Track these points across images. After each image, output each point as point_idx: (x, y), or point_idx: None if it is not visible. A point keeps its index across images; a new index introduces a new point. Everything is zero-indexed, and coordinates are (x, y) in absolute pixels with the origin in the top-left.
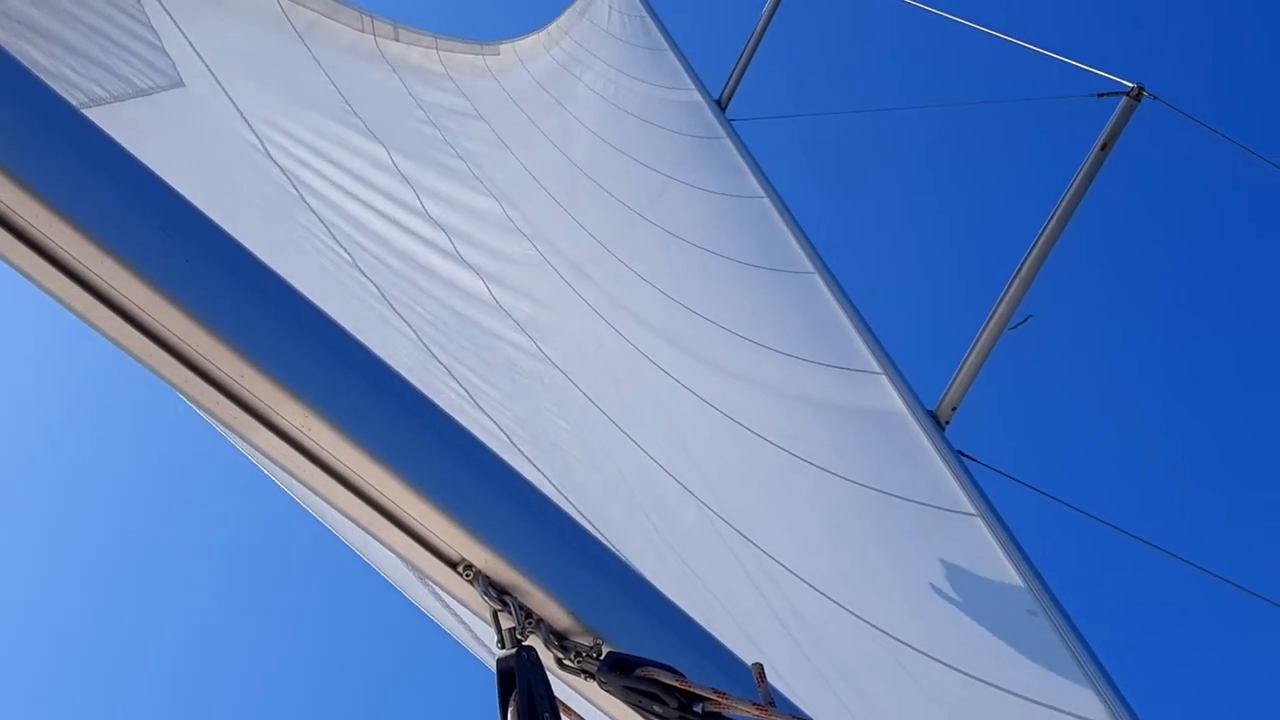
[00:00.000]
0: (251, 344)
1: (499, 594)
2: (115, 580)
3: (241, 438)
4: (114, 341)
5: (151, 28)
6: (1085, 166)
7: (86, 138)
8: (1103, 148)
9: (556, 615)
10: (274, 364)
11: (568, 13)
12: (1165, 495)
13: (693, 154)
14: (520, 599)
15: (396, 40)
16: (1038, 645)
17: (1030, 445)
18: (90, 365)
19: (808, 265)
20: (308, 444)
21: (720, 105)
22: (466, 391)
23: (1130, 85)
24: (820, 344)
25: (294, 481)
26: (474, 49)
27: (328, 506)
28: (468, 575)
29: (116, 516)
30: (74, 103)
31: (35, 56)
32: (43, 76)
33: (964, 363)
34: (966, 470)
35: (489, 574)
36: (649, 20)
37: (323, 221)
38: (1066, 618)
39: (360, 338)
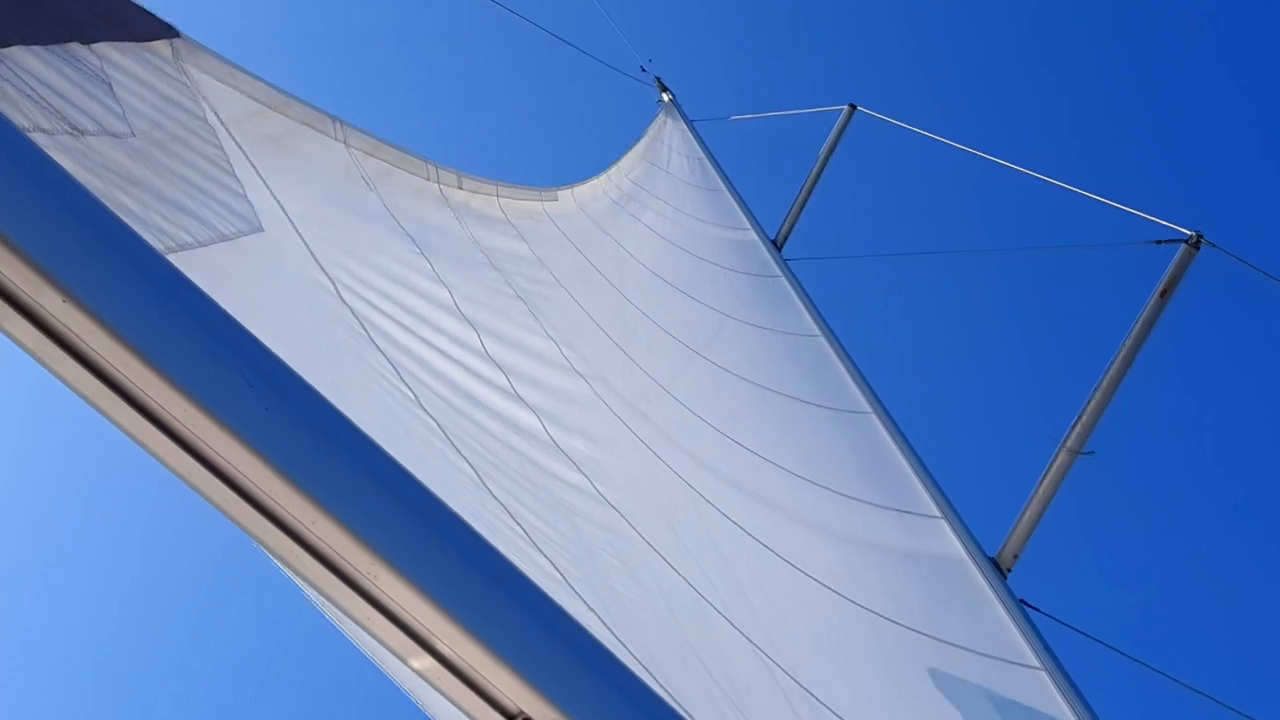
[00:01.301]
0: (325, 492)
1: None
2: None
3: (309, 584)
4: (187, 482)
5: (235, 176)
6: (1145, 313)
7: (172, 284)
8: (1162, 295)
9: None
10: (346, 512)
11: (629, 156)
12: (1235, 652)
13: (749, 292)
14: None
15: (460, 188)
16: None
17: (1096, 597)
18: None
19: (865, 405)
20: (374, 592)
21: (776, 245)
22: (525, 531)
23: (1189, 233)
24: (878, 486)
25: (355, 626)
26: (533, 195)
27: (379, 648)
28: None
29: (157, 643)
30: (162, 248)
31: (128, 204)
32: (135, 223)
33: (1026, 508)
34: (1030, 621)
35: None
36: (706, 162)
37: (390, 361)
38: None
39: (423, 475)
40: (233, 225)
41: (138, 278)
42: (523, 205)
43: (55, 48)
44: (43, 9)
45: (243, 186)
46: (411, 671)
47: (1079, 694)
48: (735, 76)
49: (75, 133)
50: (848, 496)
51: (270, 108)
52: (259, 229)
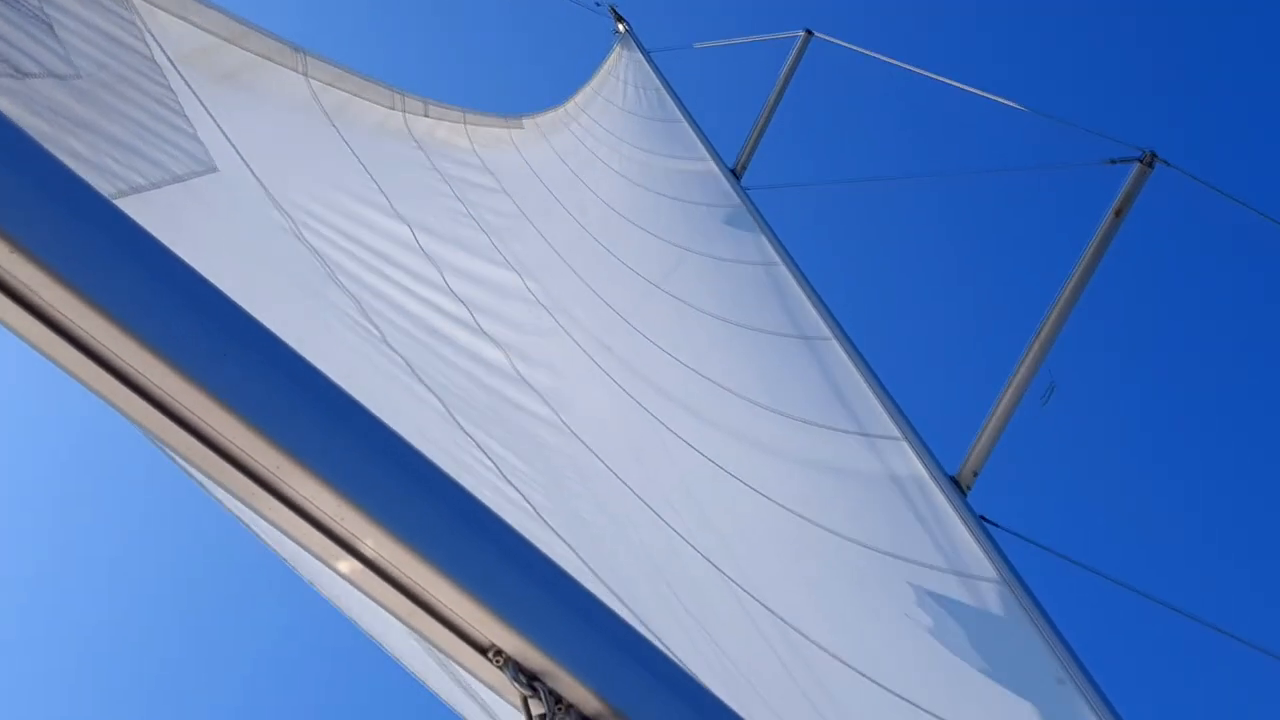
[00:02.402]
0: (291, 437)
1: (529, 680)
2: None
3: (279, 528)
4: (154, 436)
5: (185, 116)
6: (1100, 233)
7: (120, 229)
8: (1116, 214)
9: (586, 700)
10: (312, 457)
11: (586, 88)
12: (1190, 558)
13: (708, 223)
14: (550, 684)
15: (426, 115)
16: (1066, 714)
17: (1053, 510)
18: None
19: (825, 331)
20: (342, 533)
21: (735, 174)
22: (494, 464)
23: (1143, 151)
24: (839, 410)
25: (320, 567)
26: (499, 122)
27: (350, 591)
28: (498, 661)
29: (129, 612)
30: (114, 191)
31: (77, 148)
32: (85, 167)
33: (984, 428)
34: (990, 536)
35: (519, 660)
36: (664, 93)
37: (353, 298)
38: (1095, 685)
39: (391, 411)
40: (185, 165)
41: (84, 223)
42: (489, 133)
43: None
44: None
45: (193, 126)
46: (385, 611)
47: (1037, 604)
48: (692, 5)
49: (17, 75)
50: (810, 422)
51: (226, 40)
52: (213, 169)
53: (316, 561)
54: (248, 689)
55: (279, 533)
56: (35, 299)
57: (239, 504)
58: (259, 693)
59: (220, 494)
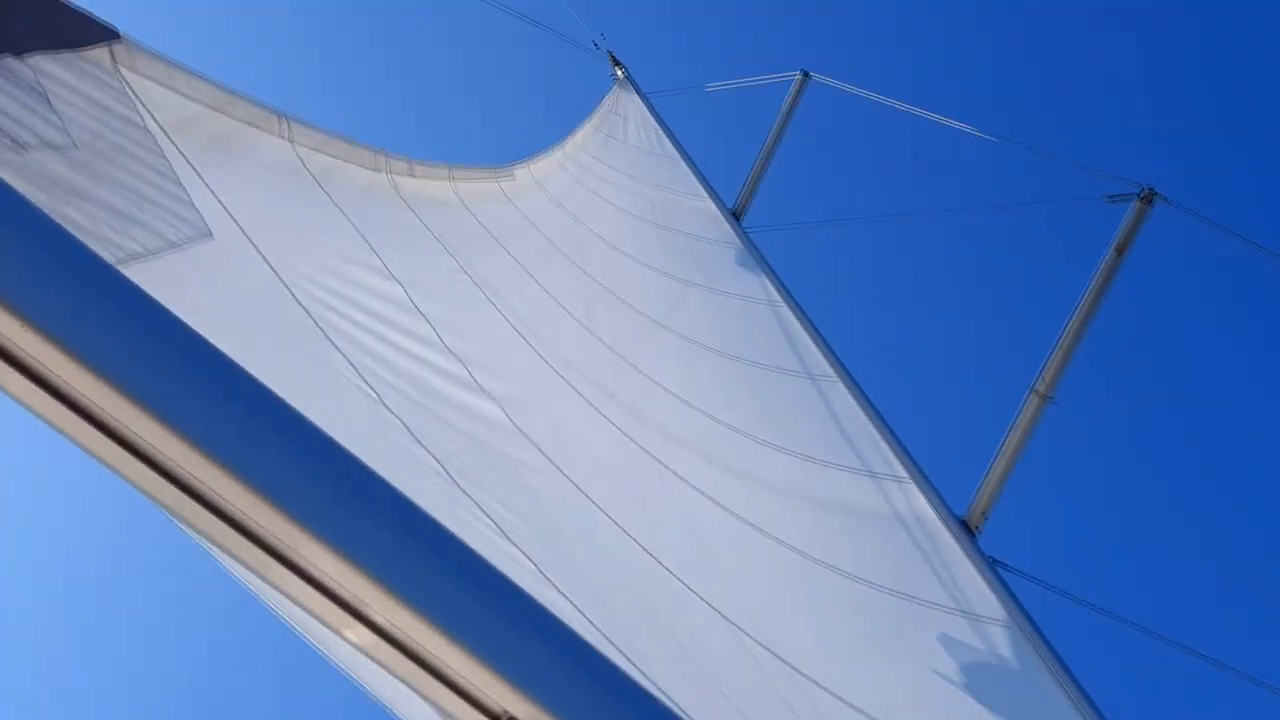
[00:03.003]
0: (292, 499)
1: None
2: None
3: (275, 588)
4: (154, 499)
5: (179, 183)
6: (1102, 269)
7: (126, 296)
8: (1118, 251)
9: None
10: (315, 520)
11: (583, 129)
12: (1200, 598)
13: (710, 259)
14: None
15: (412, 175)
16: None
17: (1063, 551)
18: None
19: (829, 371)
20: (349, 599)
21: (736, 215)
22: (495, 523)
23: (1142, 188)
24: (845, 450)
25: (326, 632)
26: (488, 174)
27: (360, 658)
28: None
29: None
30: (113, 259)
31: (75, 217)
32: (84, 236)
33: (991, 468)
34: (1000, 578)
35: None
36: (663, 135)
37: (348, 360)
38: None
39: (389, 473)
40: (181, 233)
41: (91, 292)
42: (478, 187)
43: None
44: None
45: (188, 193)
46: (392, 677)
47: (1050, 647)
48: (689, 49)
49: (16, 147)
50: (816, 461)
51: (213, 108)
52: (208, 235)
53: (323, 628)
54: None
55: (285, 600)
56: (46, 373)
57: (243, 570)
58: None
59: (223, 559)
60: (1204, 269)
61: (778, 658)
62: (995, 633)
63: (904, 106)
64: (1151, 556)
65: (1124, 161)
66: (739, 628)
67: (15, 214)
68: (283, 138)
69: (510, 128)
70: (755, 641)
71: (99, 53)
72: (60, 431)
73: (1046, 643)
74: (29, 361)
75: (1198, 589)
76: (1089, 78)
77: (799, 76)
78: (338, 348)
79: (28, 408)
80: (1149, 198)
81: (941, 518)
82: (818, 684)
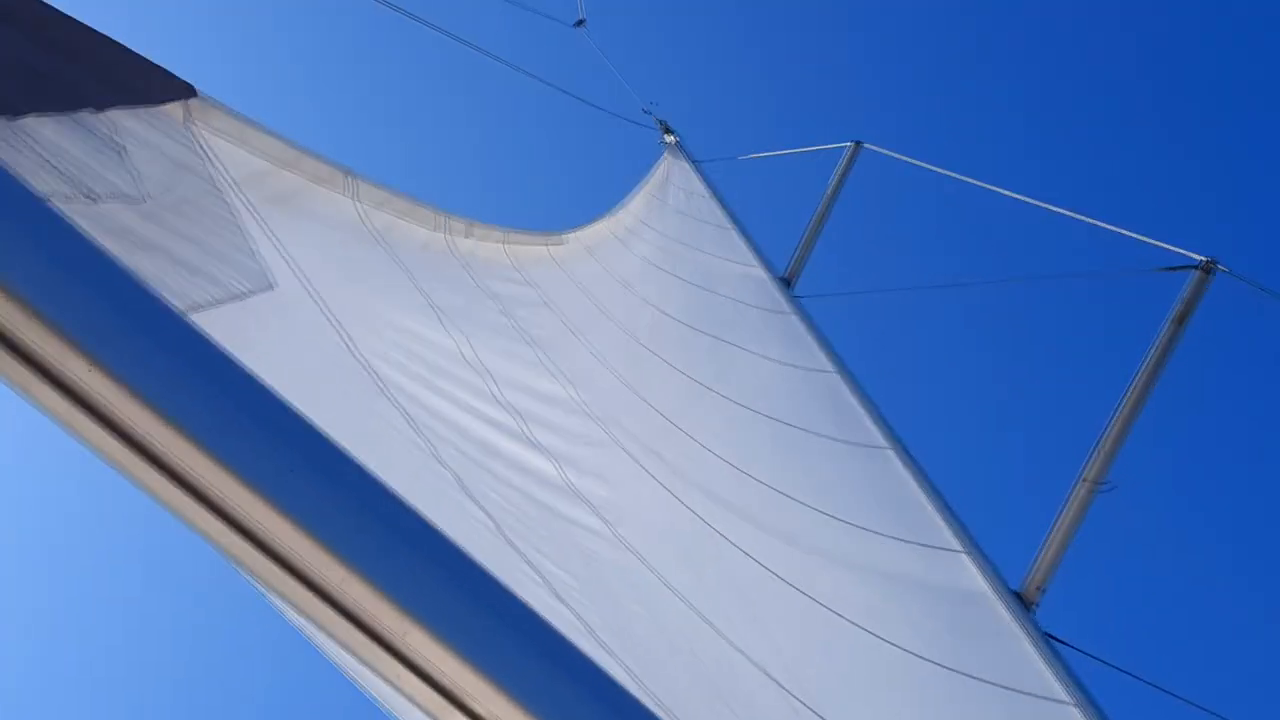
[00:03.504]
0: (357, 554)
1: None
2: None
3: (331, 636)
4: (218, 547)
5: (245, 235)
6: (1160, 341)
7: (197, 347)
8: (1177, 322)
9: None
10: (378, 574)
11: (635, 197)
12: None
13: (760, 326)
14: None
15: (468, 236)
16: None
17: (1124, 628)
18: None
19: (881, 440)
20: (407, 652)
21: (786, 282)
22: (546, 580)
23: (1201, 259)
24: (898, 521)
25: (381, 683)
26: (539, 240)
27: (413, 709)
28: None
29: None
30: (178, 308)
31: (144, 266)
32: (151, 286)
33: (1048, 541)
34: (1057, 655)
35: None
36: (713, 201)
37: (403, 413)
38: None
39: (442, 527)
40: (244, 284)
41: (162, 342)
42: (531, 251)
43: (68, 115)
44: (56, 79)
45: (253, 246)
46: None
47: None
48: (740, 115)
49: (89, 198)
50: (868, 531)
51: (281, 165)
52: (270, 287)
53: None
54: None
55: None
56: (113, 414)
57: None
58: None
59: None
60: (1269, 342)
61: None
62: (1054, 712)
63: (957, 176)
64: (1214, 636)
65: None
66: (790, 693)
67: (90, 261)
68: (346, 195)
69: (561, 199)
70: (807, 708)
71: (174, 108)
72: (129, 476)
73: None
74: (94, 400)
75: (1265, 671)
76: (1150, 145)
77: (851, 146)
78: (393, 401)
79: (91, 446)
80: (1209, 268)
81: (996, 591)
82: None
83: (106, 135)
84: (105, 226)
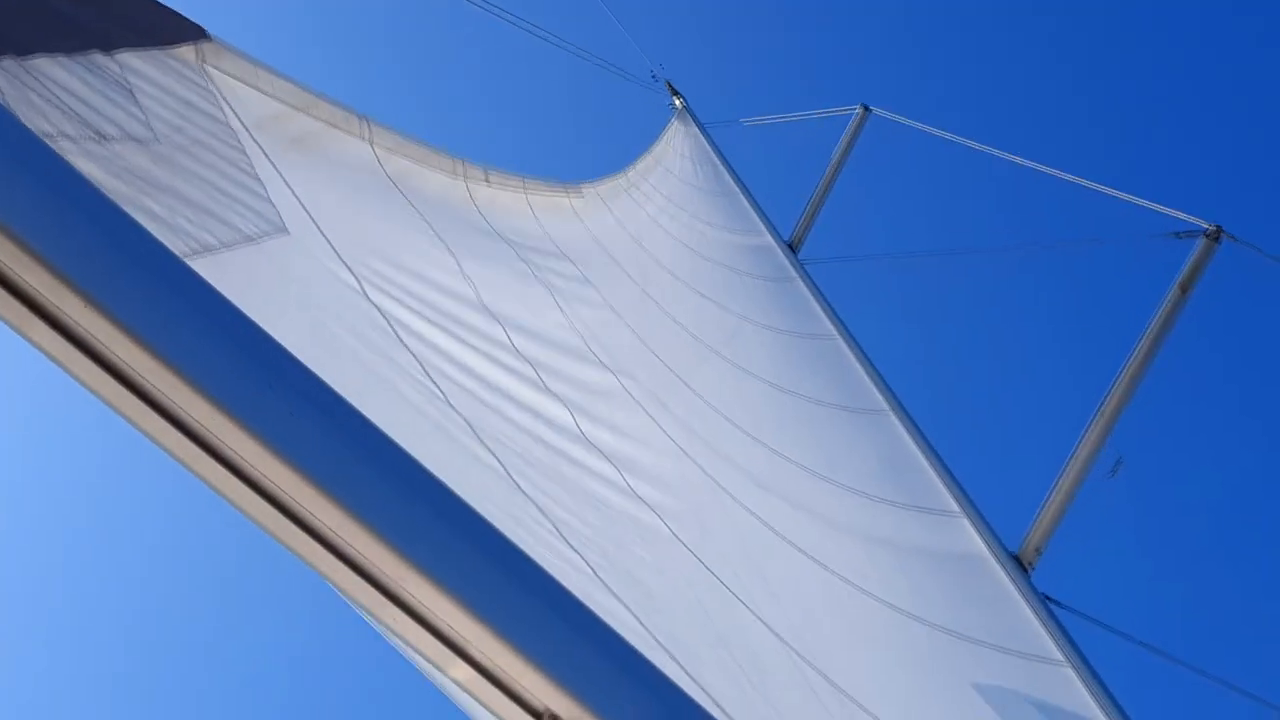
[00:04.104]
0: (353, 497)
1: None
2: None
3: (337, 587)
4: (213, 488)
5: (258, 178)
6: (1165, 307)
7: (192, 288)
8: (1182, 288)
9: None
10: (375, 518)
11: (645, 157)
12: (1268, 643)
13: (765, 296)
14: None
15: (487, 183)
16: None
17: (1121, 591)
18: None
19: (883, 404)
20: (401, 594)
21: (792, 247)
22: (555, 526)
23: (1208, 226)
24: (898, 484)
25: (382, 627)
26: (559, 190)
27: (402, 643)
28: None
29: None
30: (187, 250)
31: (154, 208)
32: (161, 227)
33: (1047, 504)
34: (1054, 616)
35: None
36: (720, 166)
37: (417, 358)
38: None
39: (452, 473)
40: (256, 227)
41: (158, 282)
42: (549, 200)
43: (77, 56)
44: (65, 19)
45: (266, 189)
46: (434, 670)
47: (1105, 689)
48: (747, 80)
49: (99, 139)
50: (869, 495)
51: (295, 108)
52: (283, 230)
53: (366, 614)
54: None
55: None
56: (110, 355)
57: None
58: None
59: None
60: (1274, 309)
61: (830, 682)
62: (1049, 673)
63: (965, 141)
64: (1211, 599)
65: (1190, 199)
66: (794, 649)
67: (85, 201)
68: (363, 139)
69: (566, 162)
70: (810, 665)
71: (186, 50)
72: (124, 416)
73: (1101, 683)
74: (88, 339)
75: (1266, 633)
76: (1158, 111)
77: (860, 111)
78: (406, 345)
79: (86, 385)
80: (1216, 235)
81: (994, 554)
82: (870, 713)
83: (117, 76)
84: (115, 167)
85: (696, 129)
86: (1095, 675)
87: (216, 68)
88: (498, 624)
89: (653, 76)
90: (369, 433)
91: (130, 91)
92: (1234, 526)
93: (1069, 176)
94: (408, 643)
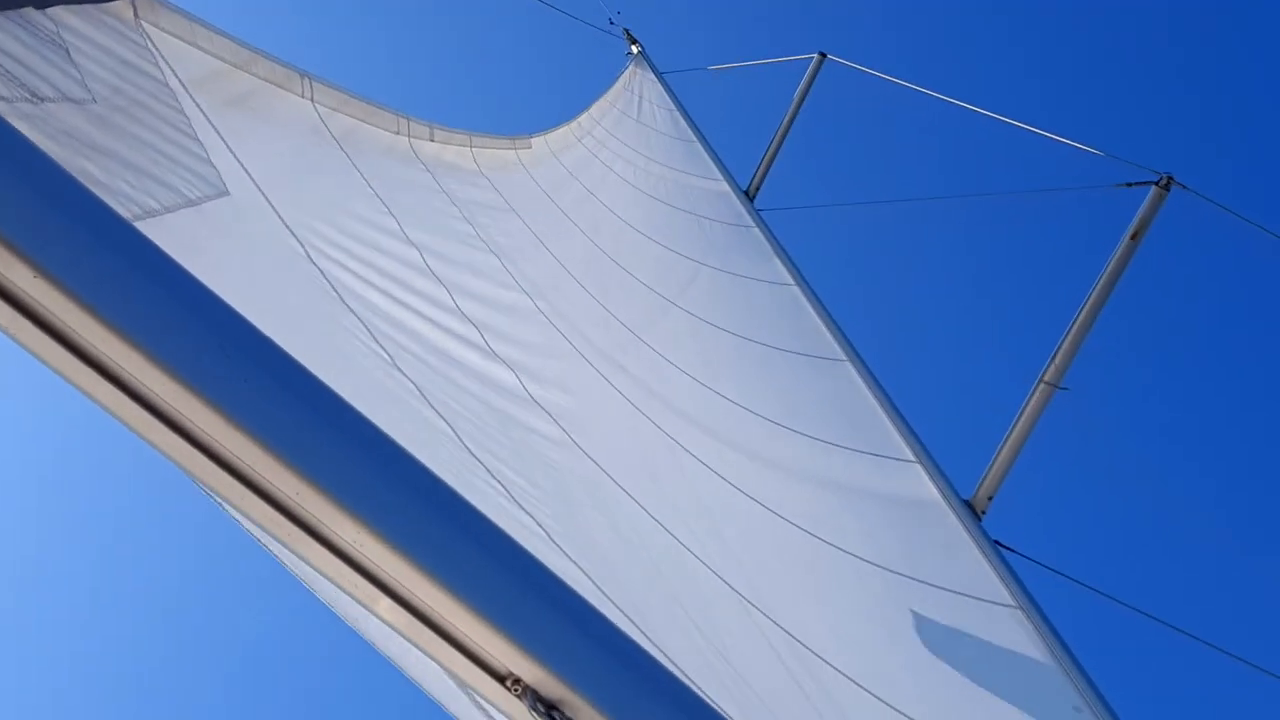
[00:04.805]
0: (309, 461)
1: (547, 709)
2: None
3: (293, 551)
4: (171, 458)
5: (198, 140)
6: (1116, 256)
7: (143, 253)
8: (1133, 237)
9: None
10: (330, 481)
11: (598, 103)
12: (1209, 585)
13: (723, 240)
14: (568, 713)
15: (432, 140)
16: None
17: (1069, 536)
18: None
19: (839, 353)
20: (360, 559)
21: (749, 195)
22: (505, 488)
23: (1159, 175)
24: (854, 431)
25: (340, 594)
26: (506, 144)
27: (370, 617)
28: (515, 690)
29: (135, 624)
30: (129, 215)
31: (93, 171)
32: (100, 190)
33: (999, 452)
34: (1005, 561)
35: (537, 688)
36: (678, 114)
37: (362, 322)
38: (1113, 715)
39: (401, 436)
40: (198, 190)
41: (108, 249)
42: (496, 155)
43: (10, 13)
44: None
45: (206, 150)
46: (402, 639)
47: (1054, 631)
48: (706, 27)
49: (34, 99)
50: (824, 442)
51: (235, 66)
52: (225, 193)
53: (329, 584)
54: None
55: (294, 557)
56: (57, 323)
57: (251, 523)
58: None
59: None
60: (1222, 257)
61: (785, 632)
62: (999, 615)
63: (920, 89)
64: (1159, 544)
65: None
66: (747, 600)
67: (32, 166)
68: (304, 97)
69: (524, 102)
70: (763, 615)
71: (121, 7)
72: (75, 385)
73: (1051, 627)
74: (36, 308)
75: (1206, 576)
76: (1108, 60)
77: (816, 57)
78: (351, 309)
79: (37, 355)
80: (1167, 184)
81: (947, 500)
82: (821, 658)
83: (51, 34)
84: (51, 129)
85: (655, 77)
86: (1044, 617)
87: (154, 25)
88: (459, 589)
89: (610, 22)
90: (317, 389)
91: (65, 50)
92: (1185, 473)
93: (1023, 125)
94: (373, 612)
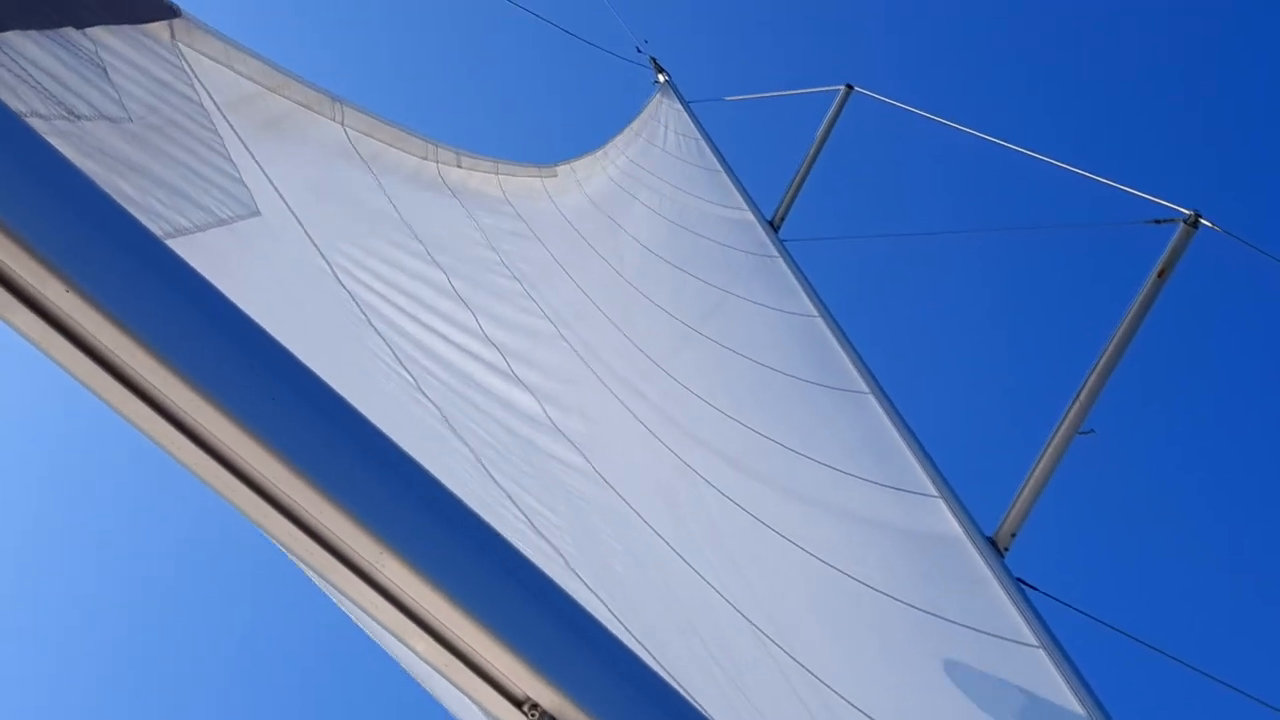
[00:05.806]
0: (333, 482)
1: None
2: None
3: (315, 572)
4: (193, 472)
5: (230, 160)
6: (1142, 293)
7: (175, 272)
8: (1160, 274)
9: None
10: (353, 502)
11: (625, 133)
12: (1235, 629)
13: (747, 269)
14: None
15: (459, 166)
16: None
17: (1093, 575)
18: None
19: (862, 385)
20: (381, 580)
21: (773, 226)
22: (525, 516)
23: (1186, 212)
24: (876, 464)
25: (363, 614)
26: (532, 171)
27: (390, 638)
28: (533, 715)
29: (136, 623)
30: (160, 233)
31: (126, 189)
32: (133, 208)
33: (1023, 488)
34: (1027, 599)
35: (553, 714)
36: (703, 143)
37: (388, 344)
38: None
39: (423, 461)
40: (229, 210)
41: (140, 266)
42: (522, 183)
43: (50, 32)
44: None
45: (239, 171)
46: (420, 660)
47: (1077, 672)
48: (732, 57)
49: (71, 117)
50: (846, 474)
51: (268, 89)
52: (256, 213)
53: (352, 606)
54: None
55: (318, 577)
56: (88, 337)
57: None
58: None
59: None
60: (1249, 296)
61: (800, 665)
62: (1021, 655)
63: (947, 123)
64: (1184, 585)
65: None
66: (763, 632)
67: (68, 183)
68: (335, 121)
69: (551, 130)
70: (779, 647)
71: (159, 28)
72: (104, 400)
73: (1073, 666)
74: (68, 322)
75: (1233, 619)
76: (1138, 98)
77: (843, 89)
78: (377, 331)
79: (67, 369)
80: (1195, 222)
81: (969, 536)
82: (839, 695)
83: (90, 53)
84: (87, 146)
85: (680, 106)
86: (1067, 657)
87: (189, 46)
88: (476, 610)
89: (638, 51)
90: (348, 415)
91: (103, 69)
92: (1209, 513)
93: (1050, 160)
94: (391, 631)
